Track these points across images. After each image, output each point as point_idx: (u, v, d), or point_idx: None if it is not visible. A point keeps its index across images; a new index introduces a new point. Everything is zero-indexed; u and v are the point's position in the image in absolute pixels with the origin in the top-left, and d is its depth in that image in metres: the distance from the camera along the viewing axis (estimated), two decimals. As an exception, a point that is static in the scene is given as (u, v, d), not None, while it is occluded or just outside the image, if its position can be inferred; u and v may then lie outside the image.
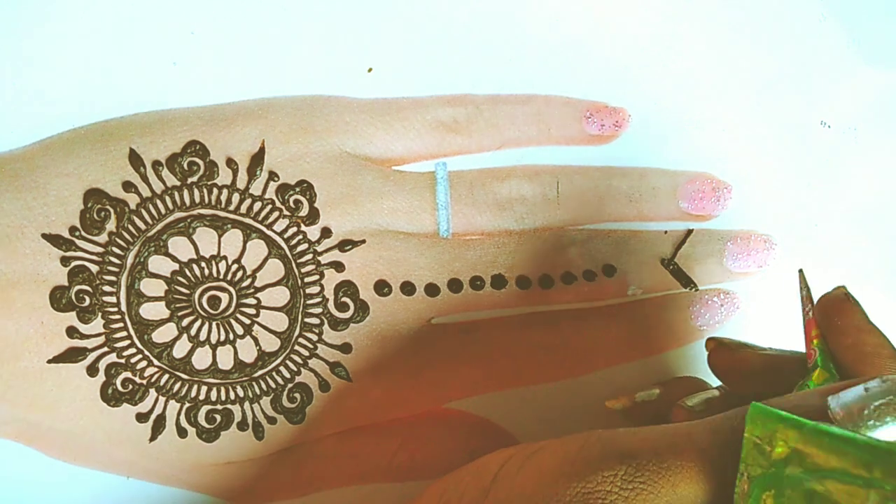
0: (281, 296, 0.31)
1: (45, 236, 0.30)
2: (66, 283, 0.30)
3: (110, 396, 0.31)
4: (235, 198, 0.31)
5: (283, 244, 0.31)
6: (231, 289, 0.31)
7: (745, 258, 0.34)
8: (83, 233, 0.30)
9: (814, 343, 0.25)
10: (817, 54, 0.34)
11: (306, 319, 0.32)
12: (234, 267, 0.31)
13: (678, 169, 0.34)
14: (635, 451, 0.22)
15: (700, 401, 0.29)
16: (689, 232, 0.34)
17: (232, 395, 0.32)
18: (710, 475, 0.21)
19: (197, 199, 0.31)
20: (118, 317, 0.31)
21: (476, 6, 0.32)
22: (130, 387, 0.31)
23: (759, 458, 0.20)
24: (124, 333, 0.31)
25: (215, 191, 0.31)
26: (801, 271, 0.31)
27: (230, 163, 0.31)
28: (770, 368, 0.28)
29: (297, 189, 0.31)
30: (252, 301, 0.31)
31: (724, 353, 0.30)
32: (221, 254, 0.31)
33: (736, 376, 0.29)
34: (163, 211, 0.30)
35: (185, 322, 0.31)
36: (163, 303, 0.31)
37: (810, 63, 0.34)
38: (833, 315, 0.26)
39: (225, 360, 0.31)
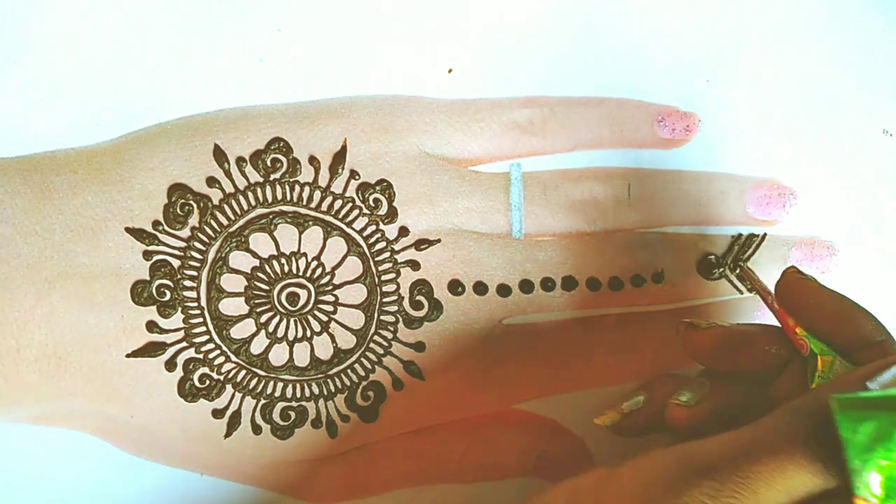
0: (358, 293, 0.32)
1: (128, 230, 0.30)
2: (148, 278, 0.30)
3: (187, 392, 0.31)
4: (317, 195, 0.31)
5: (361, 242, 0.31)
6: (310, 285, 0.31)
7: (808, 264, 0.35)
8: (166, 227, 0.30)
9: (798, 332, 0.25)
10: (880, 64, 0.34)
11: (382, 317, 0.32)
12: (314, 264, 0.31)
13: (745, 174, 0.34)
14: (713, 463, 0.22)
15: (692, 394, 0.29)
16: (759, 237, 0.34)
17: (307, 393, 0.32)
18: (787, 473, 0.21)
19: (279, 196, 0.31)
20: (198, 312, 0.31)
21: (553, 11, 0.32)
22: (207, 382, 0.31)
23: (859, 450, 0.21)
24: (203, 329, 0.31)
25: (297, 188, 0.31)
26: (748, 268, 0.32)
27: (312, 160, 0.31)
28: (739, 341, 0.28)
29: (378, 188, 0.31)
30: (330, 298, 0.31)
31: (695, 333, 0.30)
32: (301, 250, 0.31)
33: (711, 354, 0.29)
34: (245, 207, 0.31)
35: (263, 318, 0.31)
36: (242, 298, 0.31)
37: (873, 72, 0.34)
38: (797, 296, 0.27)
39: (301, 356, 0.31)
